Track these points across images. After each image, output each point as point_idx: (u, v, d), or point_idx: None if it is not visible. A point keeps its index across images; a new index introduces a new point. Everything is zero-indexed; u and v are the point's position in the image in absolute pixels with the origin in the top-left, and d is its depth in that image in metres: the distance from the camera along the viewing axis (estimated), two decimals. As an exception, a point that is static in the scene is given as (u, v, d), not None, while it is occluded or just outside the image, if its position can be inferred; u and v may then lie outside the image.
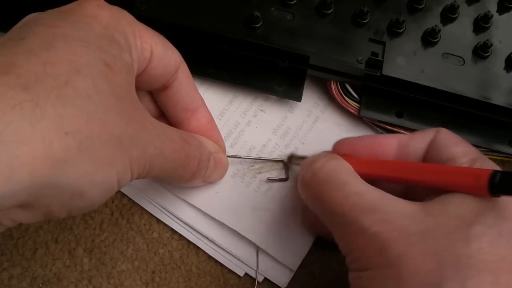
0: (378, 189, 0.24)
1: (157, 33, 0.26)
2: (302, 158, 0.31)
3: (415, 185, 0.27)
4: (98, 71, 0.21)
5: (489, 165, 0.24)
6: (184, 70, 0.28)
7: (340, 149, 0.28)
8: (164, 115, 0.30)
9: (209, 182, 0.31)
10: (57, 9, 0.23)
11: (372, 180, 0.26)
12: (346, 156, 0.27)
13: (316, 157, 0.27)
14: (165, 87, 0.28)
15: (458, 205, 0.23)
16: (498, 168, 0.24)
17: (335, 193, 0.24)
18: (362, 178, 0.25)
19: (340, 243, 0.25)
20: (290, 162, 0.32)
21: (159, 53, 0.26)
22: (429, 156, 0.26)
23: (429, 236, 0.21)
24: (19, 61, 0.19)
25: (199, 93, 0.30)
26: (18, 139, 0.17)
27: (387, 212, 0.23)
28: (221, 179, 0.32)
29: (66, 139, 0.18)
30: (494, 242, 0.21)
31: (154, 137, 0.23)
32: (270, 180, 0.32)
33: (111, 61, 0.21)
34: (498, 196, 0.22)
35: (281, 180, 0.32)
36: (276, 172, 0.33)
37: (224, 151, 0.32)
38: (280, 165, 0.33)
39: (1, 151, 0.17)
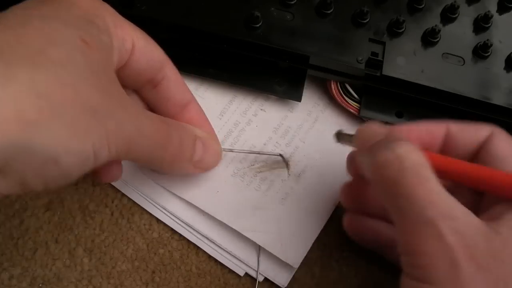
0: (450, 195, 0.22)
1: (139, 28, 0.26)
2: (351, 136, 0.29)
3: (484, 191, 0.25)
4: (74, 45, 0.21)
5: None
6: (171, 67, 0.28)
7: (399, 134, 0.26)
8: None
9: (202, 168, 0.30)
10: None
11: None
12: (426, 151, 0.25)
13: (392, 139, 0.24)
14: (154, 85, 0.28)
15: None
16: None
17: (417, 185, 0.22)
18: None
19: (403, 239, 0.23)
20: (338, 139, 0.30)
21: (141, 46, 0.26)
22: (480, 157, 0.25)
23: (498, 258, 0.20)
24: None
25: (188, 88, 0.30)
26: None
27: (463, 223, 0.21)
28: (214, 166, 0.31)
29: (38, 102, 0.18)
30: None
31: (132, 114, 0.23)
32: (261, 171, 0.32)
33: (89, 39, 0.22)
34: None
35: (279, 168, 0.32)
36: (277, 171, 0.33)
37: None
38: (281, 163, 0.33)
39: None
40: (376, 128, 0.26)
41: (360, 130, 0.27)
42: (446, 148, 0.26)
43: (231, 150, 0.33)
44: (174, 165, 0.28)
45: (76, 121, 0.20)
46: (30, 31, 0.20)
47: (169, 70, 0.28)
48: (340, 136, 0.29)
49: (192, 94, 0.30)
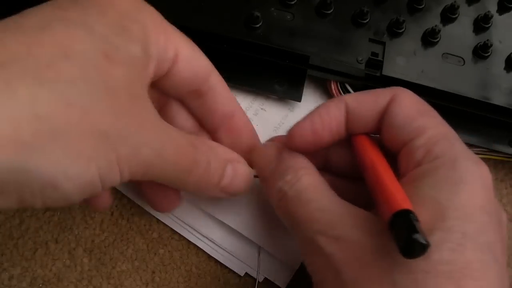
0: (347, 204, 0.23)
1: (184, 35, 0.25)
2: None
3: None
4: (92, 61, 0.19)
5: (449, 144, 0.22)
6: (216, 77, 0.27)
7: (299, 139, 0.26)
8: (201, 127, 0.29)
9: (229, 194, 0.27)
10: None
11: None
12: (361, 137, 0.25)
13: (282, 172, 0.25)
14: (199, 95, 0.27)
15: (416, 213, 0.20)
16: (461, 146, 0.23)
17: (299, 209, 0.23)
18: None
19: (305, 263, 0.24)
20: None
21: (185, 55, 0.25)
22: (384, 129, 0.24)
23: (385, 253, 0.20)
24: (3, 39, 0.18)
25: (234, 98, 0.29)
26: None
27: (344, 227, 0.21)
28: (243, 192, 0.28)
29: (37, 123, 0.17)
30: (457, 247, 0.19)
31: (153, 137, 0.22)
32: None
33: (112, 53, 0.20)
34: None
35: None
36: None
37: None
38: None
39: None
40: (269, 153, 0.27)
41: (256, 153, 0.27)
42: (350, 125, 0.25)
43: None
44: (198, 189, 0.26)
45: (78, 145, 0.18)
46: (45, 39, 0.19)
47: (215, 80, 0.27)
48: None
49: (238, 104, 0.29)
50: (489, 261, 0.20)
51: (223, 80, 0.28)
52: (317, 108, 0.26)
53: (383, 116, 0.25)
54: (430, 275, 0.19)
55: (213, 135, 0.29)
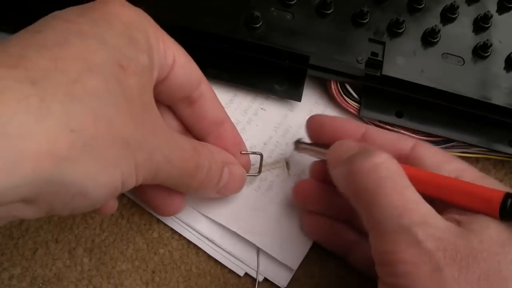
0: (426, 202, 0.23)
1: (177, 43, 0.26)
2: (310, 144, 0.30)
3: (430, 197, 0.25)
4: (111, 72, 0.20)
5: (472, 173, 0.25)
6: (207, 85, 0.28)
7: (312, 125, 0.29)
8: (187, 132, 0.30)
9: (225, 194, 0.30)
10: (79, 6, 0.22)
11: None
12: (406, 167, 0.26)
13: (369, 150, 0.25)
14: (190, 102, 0.28)
15: (495, 227, 0.22)
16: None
17: (394, 194, 0.23)
18: None
19: (380, 249, 0.23)
20: (297, 148, 0.31)
21: (181, 62, 0.26)
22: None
23: (477, 257, 0.21)
24: (29, 54, 0.18)
25: (222, 107, 0.30)
26: (22, 134, 0.17)
27: (440, 228, 0.22)
28: (236, 192, 0.31)
29: (71, 136, 0.18)
30: None
31: (163, 143, 0.23)
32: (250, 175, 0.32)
33: (126, 63, 0.21)
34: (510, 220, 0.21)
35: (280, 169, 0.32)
36: (277, 171, 0.33)
37: (248, 165, 0.31)
38: (281, 163, 0.33)
39: (5, 145, 0.16)
40: (350, 144, 0.27)
41: (334, 146, 0.27)
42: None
43: (254, 175, 0.32)
44: (199, 191, 0.27)
45: (106, 154, 0.19)
46: (67, 55, 0.19)
47: (206, 88, 0.28)
48: (299, 145, 0.31)
49: (226, 113, 0.30)
50: None
51: (212, 88, 0.29)
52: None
53: (409, 155, 0.26)
54: None
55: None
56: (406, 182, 0.23)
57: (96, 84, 0.19)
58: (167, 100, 0.28)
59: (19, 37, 0.20)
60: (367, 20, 0.34)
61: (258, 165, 0.32)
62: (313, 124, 0.30)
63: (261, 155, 0.32)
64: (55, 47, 0.19)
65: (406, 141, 0.27)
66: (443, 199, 0.24)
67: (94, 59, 0.20)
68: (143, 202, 0.31)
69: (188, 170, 0.25)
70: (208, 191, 0.28)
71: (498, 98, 0.33)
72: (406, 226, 0.22)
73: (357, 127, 0.28)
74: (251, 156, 0.32)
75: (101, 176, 0.20)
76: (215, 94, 0.29)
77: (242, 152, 0.31)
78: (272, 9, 0.34)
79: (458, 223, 0.23)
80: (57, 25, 0.20)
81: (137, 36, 0.23)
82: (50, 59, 0.19)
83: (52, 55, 0.19)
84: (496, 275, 0.20)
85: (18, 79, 0.17)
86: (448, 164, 0.25)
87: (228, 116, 0.30)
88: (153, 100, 0.23)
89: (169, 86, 0.26)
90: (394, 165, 0.24)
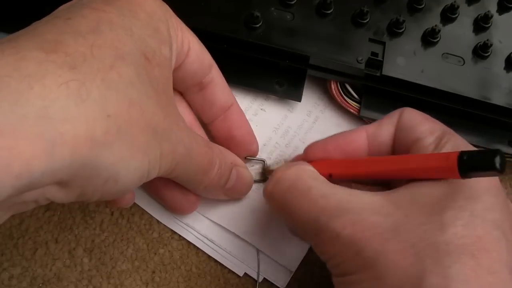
0: (345, 188, 0.23)
1: (191, 31, 0.26)
2: (257, 160, 0.32)
3: (388, 178, 0.26)
4: (139, 62, 0.21)
5: (456, 140, 0.24)
6: (217, 70, 0.29)
7: (311, 153, 0.28)
8: (196, 120, 0.30)
9: (231, 196, 0.30)
10: None
11: (347, 180, 0.25)
12: (315, 162, 0.26)
13: (278, 167, 0.26)
14: (201, 88, 0.28)
15: (426, 193, 0.22)
16: (466, 143, 0.24)
17: (301, 200, 0.24)
18: (336, 180, 0.24)
19: (317, 251, 0.24)
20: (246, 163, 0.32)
21: (196, 49, 0.26)
22: (397, 141, 0.26)
23: (402, 229, 0.21)
24: (66, 40, 0.19)
25: (231, 91, 0.30)
26: (63, 117, 0.17)
27: (356, 211, 0.22)
28: (243, 196, 0.31)
29: (107, 122, 0.18)
30: (469, 224, 0.21)
31: (185, 136, 0.23)
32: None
33: (150, 55, 0.22)
34: (469, 176, 0.21)
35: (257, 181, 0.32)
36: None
37: (256, 150, 0.32)
38: (281, 164, 0.33)
39: (46, 127, 0.17)
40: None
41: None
42: (372, 149, 0.27)
43: (261, 181, 0.32)
44: (208, 189, 0.28)
45: (138, 140, 0.20)
46: (101, 42, 0.20)
47: (216, 73, 0.29)
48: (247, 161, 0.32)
49: (234, 96, 0.31)
50: (498, 236, 0.21)
51: (222, 75, 0.29)
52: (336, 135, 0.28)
53: (397, 127, 0.26)
54: (449, 247, 0.20)
55: (209, 126, 0.31)
56: (309, 182, 0.24)
57: (129, 72, 0.20)
58: (180, 87, 0.28)
59: (53, 23, 0.20)
60: (367, 20, 0.34)
61: (261, 171, 0.32)
62: (314, 150, 0.28)
63: (265, 161, 0.32)
64: (89, 34, 0.19)
65: (395, 113, 0.27)
66: (395, 177, 0.25)
67: (124, 48, 0.20)
68: (158, 199, 0.31)
69: (203, 165, 0.26)
70: (216, 191, 0.29)
71: (498, 98, 0.33)
72: (324, 224, 0.22)
73: (358, 134, 0.28)
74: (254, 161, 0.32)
75: (132, 161, 0.20)
76: (224, 80, 0.30)
77: (247, 157, 0.31)
78: (272, 9, 0.34)
79: (390, 195, 0.23)
80: (86, 13, 0.21)
81: (160, 27, 0.23)
82: (85, 45, 0.19)
83: (87, 42, 0.19)
84: (423, 243, 0.20)
85: (58, 64, 0.18)
86: (421, 126, 0.25)
87: (235, 100, 0.31)
88: (173, 93, 0.24)
89: (183, 73, 0.26)
90: (292, 171, 0.25)
